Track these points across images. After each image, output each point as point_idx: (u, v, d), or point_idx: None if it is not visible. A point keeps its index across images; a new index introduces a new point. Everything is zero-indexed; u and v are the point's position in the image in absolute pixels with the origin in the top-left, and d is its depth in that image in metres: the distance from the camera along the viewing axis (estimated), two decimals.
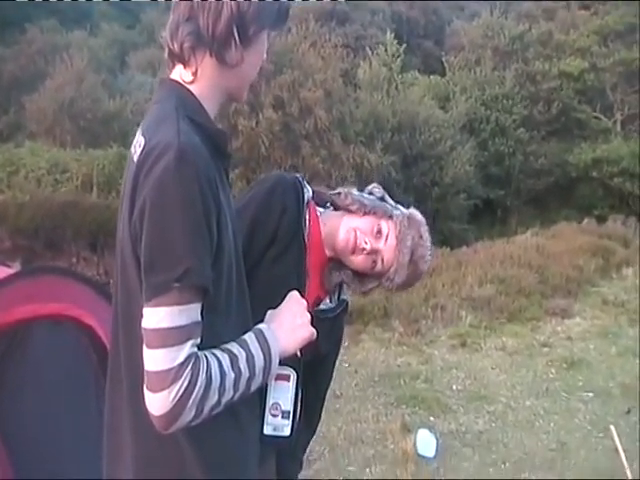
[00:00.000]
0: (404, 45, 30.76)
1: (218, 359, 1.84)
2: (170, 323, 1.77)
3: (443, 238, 22.91)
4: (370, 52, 30.22)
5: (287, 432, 2.20)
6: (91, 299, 3.90)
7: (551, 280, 13.44)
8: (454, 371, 9.24)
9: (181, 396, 1.75)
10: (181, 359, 1.76)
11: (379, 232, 2.49)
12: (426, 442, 6.89)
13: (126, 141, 19.12)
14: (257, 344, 1.95)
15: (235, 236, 2.03)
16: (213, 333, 1.89)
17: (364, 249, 2.47)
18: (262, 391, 2.16)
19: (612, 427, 7.22)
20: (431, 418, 7.77)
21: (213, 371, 1.81)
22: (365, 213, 2.51)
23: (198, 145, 1.85)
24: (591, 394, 8.55)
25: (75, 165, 19.52)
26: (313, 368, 2.55)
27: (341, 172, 21.49)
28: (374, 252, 2.48)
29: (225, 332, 1.94)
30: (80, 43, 34.44)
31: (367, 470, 6.55)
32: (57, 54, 29.19)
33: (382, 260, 2.50)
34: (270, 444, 2.21)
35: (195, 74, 2.01)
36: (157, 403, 1.76)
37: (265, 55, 2.10)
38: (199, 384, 1.77)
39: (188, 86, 2.02)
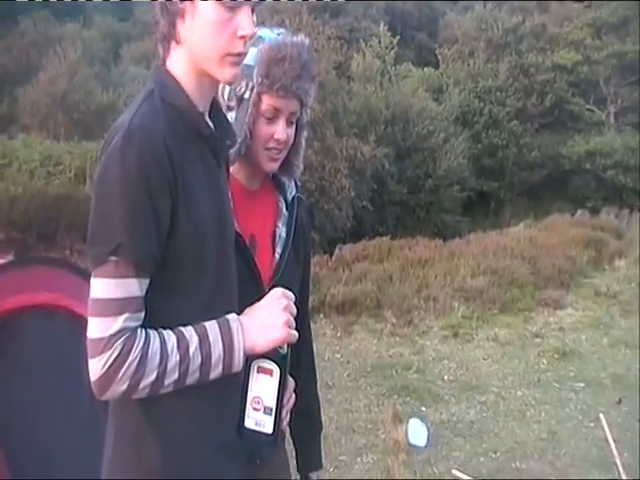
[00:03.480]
0: (397, 37, 30.69)
1: (162, 339, 1.88)
2: (105, 294, 1.84)
3: (436, 230, 22.92)
4: (363, 44, 30.13)
5: (269, 429, 2.14)
6: (83, 289, 3.87)
7: (543, 271, 13.45)
8: (446, 362, 9.28)
9: (110, 365, 1.81)
10: (113, 330, 1.82)
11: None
12: (417, 432, 6.82)
13: None
14: (218, 332, 1.95)
15: (220, 218, 2.06)
16: (174, 313, 1.94)
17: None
18: (243, 382, 2.14)
19: (602, 416, 7.24)
20: (423, 408, 7.82)
21: (151, 349, 1.85)
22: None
23: (151, 125, 1.88)
24: (582, 384, 8.58)
25: (68, 157, 19.41)
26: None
27: (334, 164, 21.44)
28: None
29: (191, 314, 1.96)
30: (73, 35, 34.19)
31: (358, 459, 6.60)
32: (50, 46, 29.04)
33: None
34: (252, 439, 2.16)
35: (168, 57, 2.05)
36: (92, 369, 1.84)
37: (235, 26, 1.96)
38: (131, 358, 1.82)
39: (169, 68, 2.04)
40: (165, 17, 1.99)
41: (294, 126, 2.55)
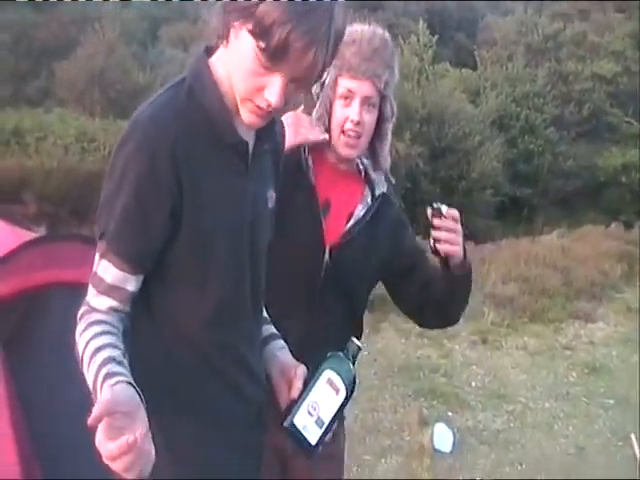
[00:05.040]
0: (436, 36, 30.52)
1: (90, 340, 1.86)
2: (95, 267, 1.93)
3: (468, 233, 22.71)
4: (402, 41, 30.00)
5: (313, 440, 2.06)
6: None
7: (575, 283, 13.27)
8: (474, 367, 9.15)
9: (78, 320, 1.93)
10: (89, 298, 1.94)
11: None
12: (443, 437, 6.86)
13: None
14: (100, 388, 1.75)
15: (237, 227, 2.01)
16: (180, 313, 1.99)
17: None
18: (308, 381, 2.10)
19: (633, 436, 7.14)
20: (449, 413, 7.70)
21: (82, 338, 1.88)
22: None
23: (160, 120, 1.84)
24: (612, 401, 8.43)
25: (103, 135, 19.50)
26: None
27: None
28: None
29: (198, 322, 1.99)
30: (112, 14, 34.37)
31: (382, 460, 6.53)
32: (89, 24, 29.19)
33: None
34: (293, 438, 2.07)
35: (216, 50, 1.96)
36: None
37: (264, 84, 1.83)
38: (80, 327, 1.90)
39: (212, 61, 1.96)
40: (221, 16, 1.86)
41: (375, 113, 2.67)
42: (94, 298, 1.92)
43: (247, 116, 1.89)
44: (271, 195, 2.17)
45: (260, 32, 1.72)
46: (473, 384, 8.62)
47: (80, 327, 1.89)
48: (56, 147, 18.28)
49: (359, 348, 2.19)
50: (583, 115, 33.42)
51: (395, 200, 2.88)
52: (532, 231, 22.91)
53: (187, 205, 1.86)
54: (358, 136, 2.63)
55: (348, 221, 2.71)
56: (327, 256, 2.64)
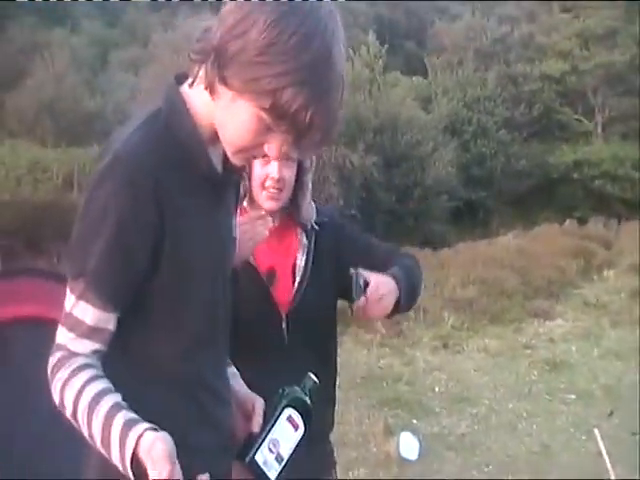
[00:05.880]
0: (386, 46, 30.69)
1: (84, 387, 1.76)
2: (70, 308, 1.81)
3: (425, 239, 22.90)
4: (352, 53, 30.12)
5: (272, 476, 2.07)
6: None
7: (533, 282, 13.43)
8: (436, 373, 9.20)
9: (50, 371, 1.80)
10: (61, 340, 1.81)
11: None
12: (409, 445, 6.82)
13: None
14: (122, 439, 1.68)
15: (215, 259, 2.00)
16: (151, 352, 1.93)
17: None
18: (270, 417, 2.11)
19: (596, 430, 7.19)
20: (413, 420, 7.73)
21: (69, 385, 1.77)
22: None
23: (140, 156, 1.79)
24: (573, 396, 8.52)
25: (56, 164, 19.38)
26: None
27: (323, 173, 21.41)
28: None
29: (169, 355, 1.94)
30: (61, 41, 34.00)
31: (350, 473, 6.46)
32: (38, 52, 28.92)
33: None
34: (254, 472, 2.07)
35: (196, 80, 1.85)
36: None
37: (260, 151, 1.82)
38: (61, 375, 1.77)
39: (189, 90, 1.87)
40: (211, 68, 1.76)
41: (294, 167, 2.67)
42: (73, 342, 1.81)
43: (237, 161, 1.88)
44: (235, 223, 2.17)
45: (280, 115, 1.70)
46: (436, 389, 8.67)
47: (62, 375, 1.78)
48: (8, 179, 18.19)
49: (315, 382, 2.19)
50: (533, 115, 33.85)
51: (324, 218, 2.84)
52: (488, 233, 23.12)
53: (168, 241, 1.83)
54: (280, 190, 2.65)
55: (294, 273, 2.73)
56: (284, 323, 2.68)
